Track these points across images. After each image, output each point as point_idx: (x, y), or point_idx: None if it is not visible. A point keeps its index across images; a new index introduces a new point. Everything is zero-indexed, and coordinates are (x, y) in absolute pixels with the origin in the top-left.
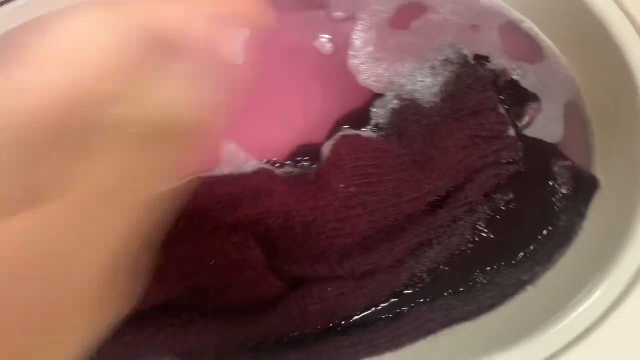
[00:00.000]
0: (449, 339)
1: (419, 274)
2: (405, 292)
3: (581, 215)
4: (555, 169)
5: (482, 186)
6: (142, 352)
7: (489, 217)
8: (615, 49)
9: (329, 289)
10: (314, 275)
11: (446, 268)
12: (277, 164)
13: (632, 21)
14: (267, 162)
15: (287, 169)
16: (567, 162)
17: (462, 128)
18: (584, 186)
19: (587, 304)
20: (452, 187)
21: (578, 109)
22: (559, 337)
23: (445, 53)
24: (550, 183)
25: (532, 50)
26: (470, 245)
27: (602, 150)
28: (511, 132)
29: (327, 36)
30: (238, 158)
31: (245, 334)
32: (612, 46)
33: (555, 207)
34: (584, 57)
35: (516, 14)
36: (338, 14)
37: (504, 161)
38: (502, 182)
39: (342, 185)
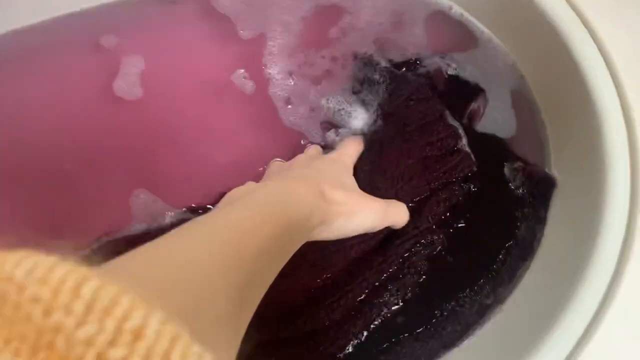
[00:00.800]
0: None
1: (374, 321)
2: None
3: (541, 220)
4: (509, 172)
5: (434, 212)
6: None
7: (443, 245)
8: (553, 28)
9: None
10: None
11: (402, 309)
12: (200, 210)
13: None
14: (188, 209)
15: None
16: (519, 164)
17: (411, 151)
18: (541, 188)
19: (565, 322)
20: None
21: (525, 96)
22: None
23: (365, 73)
24: (505, 190)
25: (464, 38)
26: (425, 280)
27: (555, 142)
28: (463, 143)
29: (242, 71)
30: (153, 208)
31: None
32: (549, 26)
33: (513, 216)
34: (521, 40)
35: (443, 1)
36: (245, 32)
37: (457, 179)
38: (454, 203)
39: None
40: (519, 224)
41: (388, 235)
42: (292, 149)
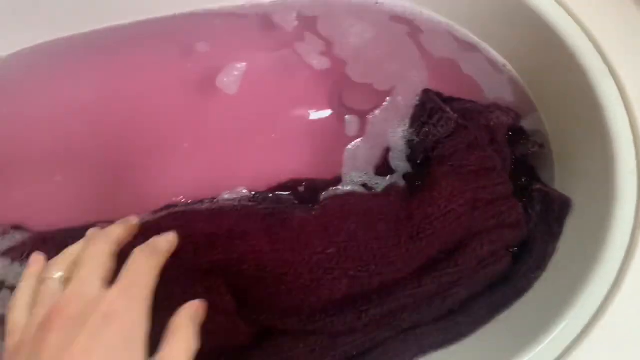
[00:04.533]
0: None
1: (397, 330)
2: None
3: (555, 237)
4: (534, 194)
5: (477, 254)
6: None
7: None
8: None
9: (300, 345)
10: (284, 328)
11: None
12: (258, 195)
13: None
14: (250, 192)
15: (267, 204)
16: (538, 185)
17: (465, 190)
18: (557, 207)
19: (562, 324)
20: (443, 254)
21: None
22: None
23: (430, 108)
24: (530, 212)
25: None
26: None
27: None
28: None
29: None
30: (219, 187)
31: None
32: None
33: (530, 233)
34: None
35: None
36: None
37: (504, 225)
38: (496, 248)
39: (321, 245)
40: (535, 239)
41: (426, 267)
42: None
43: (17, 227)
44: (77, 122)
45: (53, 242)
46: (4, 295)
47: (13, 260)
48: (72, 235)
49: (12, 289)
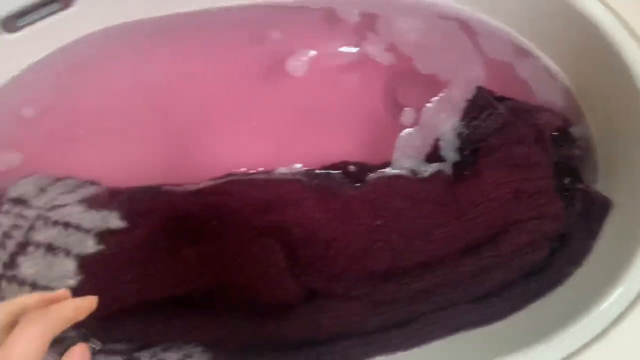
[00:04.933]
0: (461, 342)
1: (435, 306)
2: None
3: (593, 236)
4: (576, 193)
5: (515, 241)
6: (173, 339)
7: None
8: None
9: (343, 308)
10: (330, 291)
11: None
12: (311, 171)
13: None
14: (304, 167)
15: (319, 180)
16: (580, 185)
17: (509, 180)
18: (597, 208)
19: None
20: (484, 239)
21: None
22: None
23: (484, 103)
24: (570, 210)
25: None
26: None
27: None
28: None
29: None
30: (276, 162)
31: (263, 333)
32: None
33: (569, 229)
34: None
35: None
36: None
37: (543, 217)
38: (537, 239)
39: (369, 217)
40: (573, 236)
41: (467, 249)
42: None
43: (92, 183)
44: (154, 98)
45: (121, 196)
46: (80, 237)
47: (89, 207)
48: (138, 191)
49: (86, 231)
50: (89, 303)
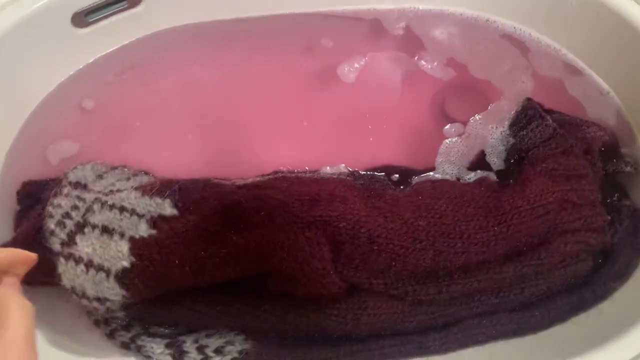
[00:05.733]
0: (498, 351)
1: (474, 311)
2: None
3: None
4: (623, 209)
5: (560, 251)
6: (216, 326)
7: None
8: None
9: (383, 306)
10: (370, 287)
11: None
12: (356, 172)
13: None
14: (347, 168)
15: (364, 180)
16: (627, 202)
17: (555, 190)
18: None
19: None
20: (526, 246)
21: None
22: None
23: (532, 114)
24: (616, 225)
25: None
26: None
27: None
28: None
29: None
30: (322, 162)
31: (303, 325)
32: None
33: (615, 245)
34: None
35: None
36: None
37: (588, 230)
38: (581, 251)
39: (412, 217)
40: (619, 252)
41: (509, 255)
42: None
43: (145, 172)
44: (207, 98)
45: (172, 185)
46: (134, 221)
47: (143, 194)
48: (189, 182)
49: (140, 216)
50: (26, 256)
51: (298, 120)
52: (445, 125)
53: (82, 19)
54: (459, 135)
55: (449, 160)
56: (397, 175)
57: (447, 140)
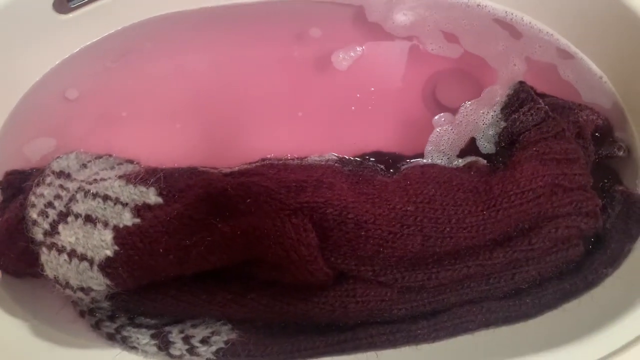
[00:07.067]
0: (489, 338)
1: (464, 298)
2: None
3: (632, 238)
4: (616, 195)
5: (550, 236)
6: (202, 316)
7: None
8: None
9: (372, 293)
10: (358, 274)
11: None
12: (344, 159)
13: None
14: (336, 155)
15: (352, 166)
16: (619, 187)
17: (545, 174)
18: (637, 211)
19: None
20: (516, 231)
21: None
22: (596, 348)
23: (524, 97)
24: (609, 210)
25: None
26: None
27: None
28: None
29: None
30: (312, 150)
31: (290, 313)
32: None
33: (607, 230)
34: None
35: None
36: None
37: (579, 214)
38: (573, 236)
39: (400, 202)
40: (611, 237)
41: (500, 241)
42: None
43: (130, 161)
44: (196, 86)
45: (157, 174)
46: (118, 209)
47: (127, 182)
48: (174, 170)
49: (124, 204)
50: None
51: (289, 108)
52: (437, 112)
53: (65, 4)
54: (451, 122)
55: (439, 150)
56: (389, 160)
57: (437, 129)
